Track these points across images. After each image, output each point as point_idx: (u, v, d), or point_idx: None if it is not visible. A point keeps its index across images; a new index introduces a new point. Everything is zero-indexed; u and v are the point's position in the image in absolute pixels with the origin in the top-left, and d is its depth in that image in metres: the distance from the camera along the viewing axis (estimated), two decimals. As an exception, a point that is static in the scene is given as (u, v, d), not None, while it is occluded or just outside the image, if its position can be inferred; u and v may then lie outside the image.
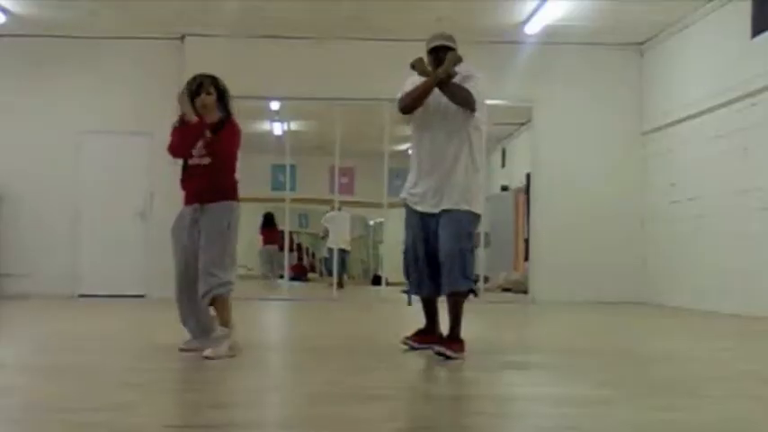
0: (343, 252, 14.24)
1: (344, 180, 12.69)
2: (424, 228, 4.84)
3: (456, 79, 4.79)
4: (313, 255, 19.94)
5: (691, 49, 10.33)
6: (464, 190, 4.77)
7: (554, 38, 11.02)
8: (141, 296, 10.83)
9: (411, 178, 4.97)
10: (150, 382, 3.80)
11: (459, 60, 4.78)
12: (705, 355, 5.40)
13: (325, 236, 15.10)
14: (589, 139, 11.41)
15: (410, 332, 5.04)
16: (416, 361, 4.71)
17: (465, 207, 4.75)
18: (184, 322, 4.79)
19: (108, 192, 11.17)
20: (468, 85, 4.76)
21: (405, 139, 15.89)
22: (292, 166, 12.06)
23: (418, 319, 5.01)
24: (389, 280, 15.00)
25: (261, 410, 3.39)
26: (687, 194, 10.25)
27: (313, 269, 19.33)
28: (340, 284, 13.21)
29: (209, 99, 4.68)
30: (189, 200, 4.77)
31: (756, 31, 8.77)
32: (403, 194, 5.04)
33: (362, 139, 13.31)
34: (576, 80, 11.39)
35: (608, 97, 11.44)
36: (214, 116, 4.71)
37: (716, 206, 9.51)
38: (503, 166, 16.77)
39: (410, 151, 5.05)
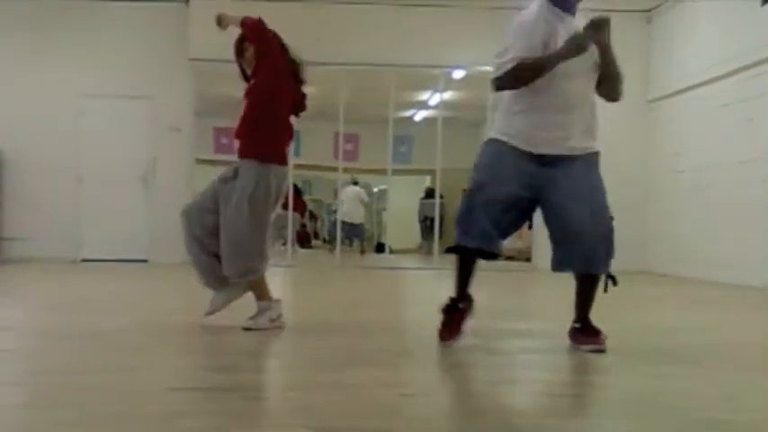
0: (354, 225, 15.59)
1: (349, 147, 12.62)
2: (520, 172, 3.79)
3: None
4: (317, 222, 19.97)
5: (699, 17, 10.21)
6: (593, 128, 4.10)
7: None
8: (144, 261, 10.86)
9: (519, 121, 3.92)
10: (154, 345, 3.82)
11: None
12: (707, 325, 5.41)
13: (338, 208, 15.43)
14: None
15: (439, 324, 3.84)
16: (417, 328, 4.73)
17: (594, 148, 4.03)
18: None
19: (110, 156, 11.11)
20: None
21: (409, 106, 15.89)
22: (296, 132, 11.96)
23: (412, 285, 4.99)
24: (393, 247, 15.05)
25: (264, 374, 3.42)
26: (692, 164, 10.20)
27: (316, 236, 19.35)
28: (362, 251, 15.64)
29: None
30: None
31: (767, -1, 8.66)
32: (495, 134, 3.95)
33: (367, 106, 13.23)
34: (583, 47, 11.24)
35: (614, 65, 11.30)
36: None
37: (720, 176, 9.47)
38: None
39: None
